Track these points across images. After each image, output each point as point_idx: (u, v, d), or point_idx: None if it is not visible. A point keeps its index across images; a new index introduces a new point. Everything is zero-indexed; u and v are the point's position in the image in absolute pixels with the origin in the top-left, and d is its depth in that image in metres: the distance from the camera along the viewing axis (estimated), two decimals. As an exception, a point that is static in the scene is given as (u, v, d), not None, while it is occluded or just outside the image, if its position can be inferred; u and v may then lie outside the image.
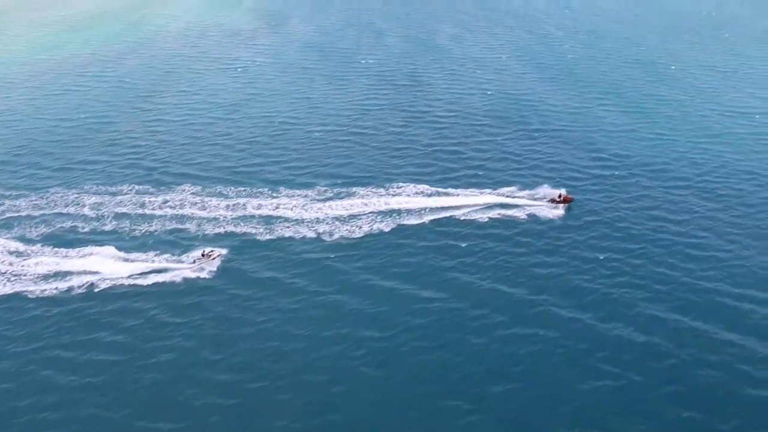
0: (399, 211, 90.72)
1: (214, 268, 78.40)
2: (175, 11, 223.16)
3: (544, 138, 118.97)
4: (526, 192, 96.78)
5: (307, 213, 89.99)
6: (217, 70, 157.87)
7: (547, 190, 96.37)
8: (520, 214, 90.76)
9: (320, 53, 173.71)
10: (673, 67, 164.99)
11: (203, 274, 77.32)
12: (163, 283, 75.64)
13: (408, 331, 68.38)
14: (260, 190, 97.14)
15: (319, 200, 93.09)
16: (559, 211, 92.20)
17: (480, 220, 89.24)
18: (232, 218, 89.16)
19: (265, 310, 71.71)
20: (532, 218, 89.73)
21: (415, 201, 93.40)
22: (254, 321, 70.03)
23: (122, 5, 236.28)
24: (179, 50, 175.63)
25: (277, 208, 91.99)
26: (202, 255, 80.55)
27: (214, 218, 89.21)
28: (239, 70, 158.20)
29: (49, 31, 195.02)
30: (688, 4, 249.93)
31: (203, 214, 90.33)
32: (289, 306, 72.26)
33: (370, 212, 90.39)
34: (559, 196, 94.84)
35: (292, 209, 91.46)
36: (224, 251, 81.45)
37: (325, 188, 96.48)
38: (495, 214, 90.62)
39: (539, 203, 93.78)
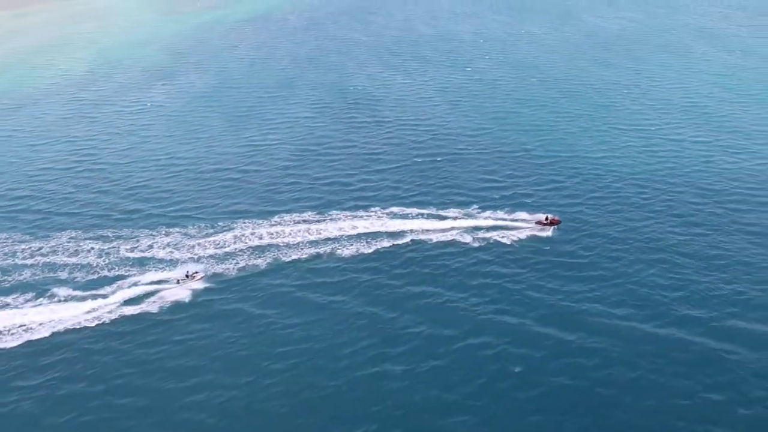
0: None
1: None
2: (85, 54, 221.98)
3: (443, 162, 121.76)
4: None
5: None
6: (113, 114, 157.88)
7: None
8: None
9: (227, 91, 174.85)
10: (578, 84, 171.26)
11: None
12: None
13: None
14: (139, 231, 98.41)
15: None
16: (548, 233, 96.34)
17: (471, 244, 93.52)
18: (105, 264, 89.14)
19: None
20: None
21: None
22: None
23: (28, 48, 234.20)
24: (78, 94, 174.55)
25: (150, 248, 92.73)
26: (187, 276, 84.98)
27: (87, 264, 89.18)
28: (136, 112, 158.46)
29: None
30: (602, 22, 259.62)
31: (74, 260, 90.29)
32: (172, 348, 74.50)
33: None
34: (546, 218, 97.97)
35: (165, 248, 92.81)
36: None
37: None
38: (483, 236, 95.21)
39: (527, 225, 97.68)
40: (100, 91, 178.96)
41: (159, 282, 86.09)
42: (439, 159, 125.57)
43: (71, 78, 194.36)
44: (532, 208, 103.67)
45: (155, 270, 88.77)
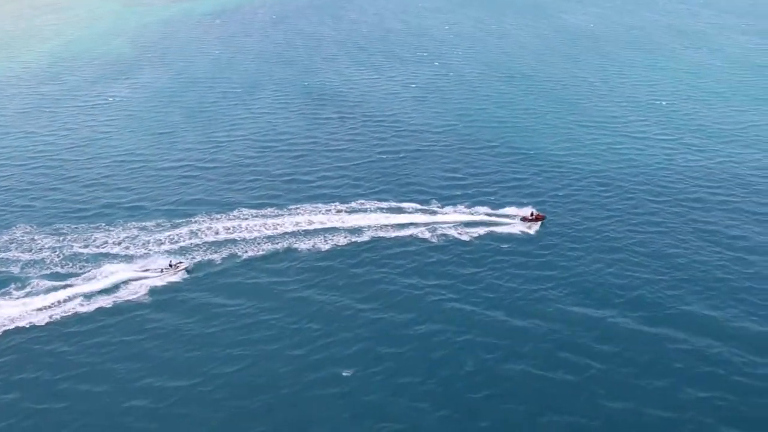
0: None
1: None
2: (48, 46, 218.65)
3: (406, 158, 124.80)
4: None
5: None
6: (75, 108, 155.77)
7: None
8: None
9: (194, 85, 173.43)
10: (546, 81, 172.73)
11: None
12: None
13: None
14: (95, 225, 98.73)
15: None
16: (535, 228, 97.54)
17: (460, 238, 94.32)
18: (59, 259, 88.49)
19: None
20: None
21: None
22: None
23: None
24: (38, 88, 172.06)
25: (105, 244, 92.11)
26: (170, 265, 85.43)
27: (41, 259, 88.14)
28: (98, 106, 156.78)
29: None
30: (571, 18, 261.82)
31: (28, 257, 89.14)
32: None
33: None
34: (531, 214, 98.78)
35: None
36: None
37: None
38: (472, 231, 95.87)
39: (512, 221, 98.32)
40: (61, 85, 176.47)
41: (142, 271, 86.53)
42: (401, 155, 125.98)
43: (32, 71, 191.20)
44: (495, 205, 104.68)
45: (124, 262, 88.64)
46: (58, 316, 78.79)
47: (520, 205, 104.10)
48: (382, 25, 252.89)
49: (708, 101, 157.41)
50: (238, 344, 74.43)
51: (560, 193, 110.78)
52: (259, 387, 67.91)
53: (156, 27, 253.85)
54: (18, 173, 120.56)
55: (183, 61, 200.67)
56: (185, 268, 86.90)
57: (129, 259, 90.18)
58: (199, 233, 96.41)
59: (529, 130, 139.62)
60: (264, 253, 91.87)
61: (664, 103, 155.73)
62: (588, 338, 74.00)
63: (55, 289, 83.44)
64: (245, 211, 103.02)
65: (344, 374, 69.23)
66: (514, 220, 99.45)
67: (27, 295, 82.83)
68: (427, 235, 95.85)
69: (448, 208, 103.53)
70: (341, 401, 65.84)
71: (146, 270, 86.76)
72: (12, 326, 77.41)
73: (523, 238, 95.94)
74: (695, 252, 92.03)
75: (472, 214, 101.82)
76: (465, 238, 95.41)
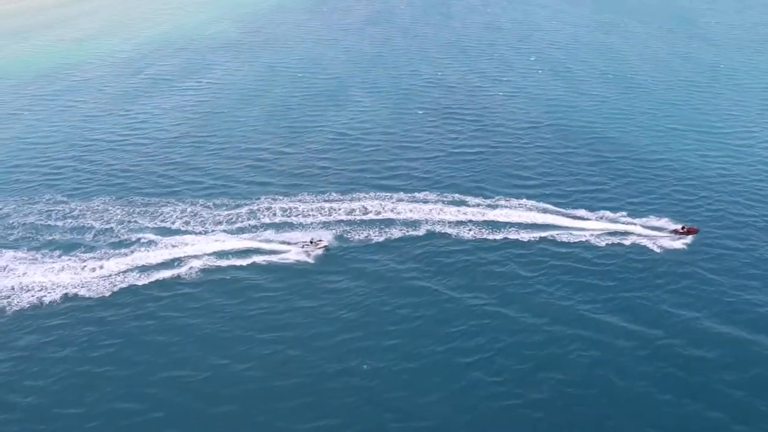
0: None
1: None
2: (161, 29, 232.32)
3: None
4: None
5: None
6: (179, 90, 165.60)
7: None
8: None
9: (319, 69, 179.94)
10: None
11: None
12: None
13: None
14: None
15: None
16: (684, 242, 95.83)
17: (599, 245, 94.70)
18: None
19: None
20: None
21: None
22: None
23: (107, 24, 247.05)
24: (145, 70, 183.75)
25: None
26: (310, 242, 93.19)
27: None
28: (196, 89, 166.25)
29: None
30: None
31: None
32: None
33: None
34: (683, 227, 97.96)
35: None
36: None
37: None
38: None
39: (661, 234, 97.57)
40: (165, 67, 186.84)
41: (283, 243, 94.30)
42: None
43: (141, 52, 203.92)
44: (639, 215, 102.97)
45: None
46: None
47: (663, 214, 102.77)
48: (492, 21, 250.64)
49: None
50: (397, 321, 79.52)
51: (711, 206, 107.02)
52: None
53: (264, 12, 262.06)
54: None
55: (286, 48, 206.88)
56: (325, 246, 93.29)
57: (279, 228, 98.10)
58: (339, 211, 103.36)
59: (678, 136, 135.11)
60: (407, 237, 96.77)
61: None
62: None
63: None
64: (386, 194, 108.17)
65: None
66: (663, 233, 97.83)
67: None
68: (567, 239, 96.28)
69: (590, 214, 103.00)
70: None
71: (287, 243, 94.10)
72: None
73: (673, 253, 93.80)
74: None
75: (616, 222, 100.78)
76: (604, 246, 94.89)
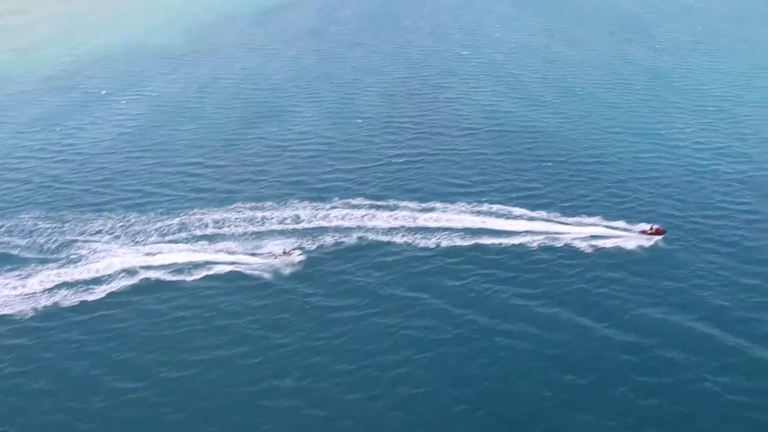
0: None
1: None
2: (101, 39, 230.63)
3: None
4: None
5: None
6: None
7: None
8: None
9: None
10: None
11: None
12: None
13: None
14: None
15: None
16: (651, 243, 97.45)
17: (578, 247, 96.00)
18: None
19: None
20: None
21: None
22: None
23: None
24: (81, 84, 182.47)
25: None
26: (283, 252, 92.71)
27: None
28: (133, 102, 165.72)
29: None
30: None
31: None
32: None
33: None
34: (651, 228, 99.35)
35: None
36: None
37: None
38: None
39: (629, 234, 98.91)
40: (106, 78, 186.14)
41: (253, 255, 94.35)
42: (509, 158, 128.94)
43: (82, 63, 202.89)
44: (608, 217, 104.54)
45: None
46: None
47: (633, 218, 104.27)
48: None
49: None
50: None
51: (677, 205, 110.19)
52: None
53: (209, 22, 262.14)
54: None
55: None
56: (299, 255, 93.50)
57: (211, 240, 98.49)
58: (308, 219, 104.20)
59: (638, 138, 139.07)
60: (384, 244, 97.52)
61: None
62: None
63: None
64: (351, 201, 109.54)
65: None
66: (632, 234, 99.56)
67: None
68: (539, 244, 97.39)
69: (561, 218, 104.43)
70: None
71: (257, 255, 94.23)
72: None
73: (642, 253, 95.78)
74: None
75: (588, 225, 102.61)
76: (579, 249, 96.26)
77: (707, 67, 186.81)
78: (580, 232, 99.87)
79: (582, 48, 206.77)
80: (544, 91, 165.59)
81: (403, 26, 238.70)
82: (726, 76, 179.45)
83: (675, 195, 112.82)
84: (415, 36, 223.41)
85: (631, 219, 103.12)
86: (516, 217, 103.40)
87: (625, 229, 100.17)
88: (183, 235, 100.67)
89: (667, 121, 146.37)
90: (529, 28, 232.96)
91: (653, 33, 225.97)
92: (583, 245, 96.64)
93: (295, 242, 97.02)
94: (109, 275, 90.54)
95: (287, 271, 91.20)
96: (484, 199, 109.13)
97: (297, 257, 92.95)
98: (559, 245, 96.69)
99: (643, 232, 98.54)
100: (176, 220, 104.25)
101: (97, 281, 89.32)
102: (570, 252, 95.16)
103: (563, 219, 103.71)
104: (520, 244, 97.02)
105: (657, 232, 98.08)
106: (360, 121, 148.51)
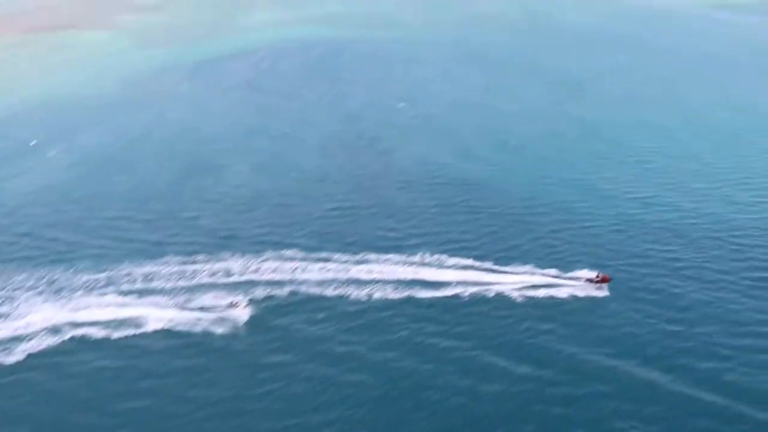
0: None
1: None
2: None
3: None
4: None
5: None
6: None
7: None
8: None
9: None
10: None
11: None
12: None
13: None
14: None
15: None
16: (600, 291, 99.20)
17: (516, 298, 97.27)
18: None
19: None
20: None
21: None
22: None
23: None
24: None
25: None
26: (231, 304, 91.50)
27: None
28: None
29: None
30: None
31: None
32: None
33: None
34: (597, 276, 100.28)
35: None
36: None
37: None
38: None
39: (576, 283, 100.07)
40: (32, 131, 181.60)
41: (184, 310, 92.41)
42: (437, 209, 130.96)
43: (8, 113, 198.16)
44: (553, 266, 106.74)
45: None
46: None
47: (579, 265, 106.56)
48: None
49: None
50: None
51: (621, 252, 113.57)
52: None
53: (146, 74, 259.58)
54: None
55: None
56: (244, 307, 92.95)
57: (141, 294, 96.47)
58: (252, 271, 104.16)
59: (575, 185, 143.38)
60: (317, 297, 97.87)
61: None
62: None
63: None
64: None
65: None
66: (578, 282, 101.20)
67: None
68: (471, 294, 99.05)
69: (494, 267, 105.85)
70: None
71: (187, 309, 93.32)
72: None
73: (589, 302, 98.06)
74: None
75: (531, 274, 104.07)
76: (523, 299, 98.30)
77: (635, 121, 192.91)
78: (514, 281, 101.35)
79: (517, 101, 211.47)
80: (480, 143, 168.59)
81: (342, 79, 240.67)
82: (653, 129, 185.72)
83: (606, 244, 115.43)
84: (352, 89, 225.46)
85: (564, 267, 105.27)
86: (449, 268, 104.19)
87: (570, 278, 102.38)
88: (111, 289, 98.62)
89: (597, 172, 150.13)
90: (465, 82, 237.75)
91: (585, 88, 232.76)
92: (515, 294, 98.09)
93: (242, 294, 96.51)
94: (30, 333, 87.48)
95: (216, 326, 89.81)
96: (417, 250, 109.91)
97: (244, 309, 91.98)
98: (491, 295, 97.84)
99: (590, 279, 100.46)
100: (104, 275, 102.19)
101: (17, 340, 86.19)
102: (502, 302, 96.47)
103: (497, 269, 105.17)
104: (453, 296, 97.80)
105: (603, 280, 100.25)
106: (294, 173, 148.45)
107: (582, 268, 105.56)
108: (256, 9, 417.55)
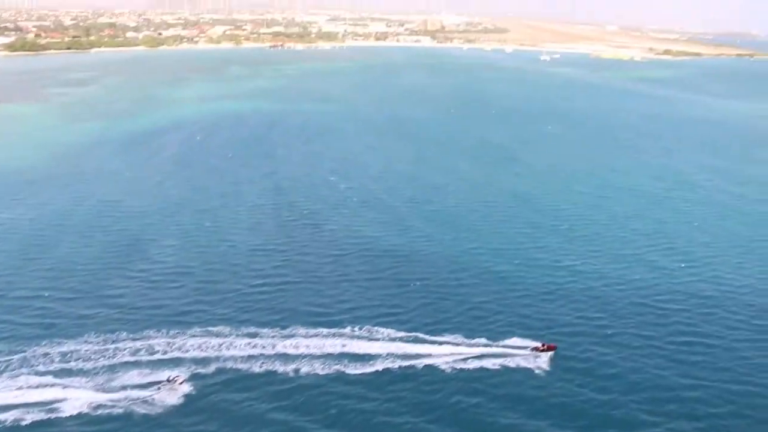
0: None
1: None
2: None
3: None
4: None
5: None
6: None
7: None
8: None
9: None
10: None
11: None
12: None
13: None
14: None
15: None
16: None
17: (447, 370, 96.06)
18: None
19: None
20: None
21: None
22: None
23: None
24: None
25: None
26: (167, 380, 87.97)
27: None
28: None
29: None
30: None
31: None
32: None
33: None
34: (543, 345, 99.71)
35: None
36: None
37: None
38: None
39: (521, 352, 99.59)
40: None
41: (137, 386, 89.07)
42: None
43: None
44: (496, 336, 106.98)
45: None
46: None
47: (523, 334, 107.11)
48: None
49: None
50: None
51: (564, 320, 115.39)
52: None
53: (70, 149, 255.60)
54: None
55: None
56: (182, 381, 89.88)
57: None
58: (182, 348, 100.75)
59: (512, 252, 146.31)
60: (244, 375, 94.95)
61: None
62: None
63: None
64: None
65: None
66: (524, 351, 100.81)
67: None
68: (401, 366, 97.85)
69: (425, 338, 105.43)
70: None
71: (106, 391, 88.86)
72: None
73: (536, 371, 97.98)
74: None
75: (462, 345, 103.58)
76: (454, 371, 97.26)
77: (562, 189, 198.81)
78: (445, 352, 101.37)
79: (446, 173, 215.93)
80: (409, 215, 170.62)
81: (272, 152, 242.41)
82: (579, 196, 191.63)
83: (534, 314, 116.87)
84: (283, 162, 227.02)
85: (494, 337, 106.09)
86: (379, 340, 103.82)
87: (509, 347, 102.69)
88: (25, 371, 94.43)
89: (526, 241, 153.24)
90: (395, 155, 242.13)
91: (513, 158, 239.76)
92: (445, 366, 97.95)
93: (171, 371, 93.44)
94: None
95: (138, 407, 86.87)
96: (346, 324, 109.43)
97: (181, 385, 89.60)
98: (421, 368, 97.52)
99: (536, 348, 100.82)
100: (17, 356, 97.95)
101: None
102: (433, 374, 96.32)
103: (428, 340, 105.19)
104: (383, 370, 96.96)
105: (549, 348, 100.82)
106: (224, 247, 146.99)
107: (512, 337, 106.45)
108: (188, 84, 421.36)
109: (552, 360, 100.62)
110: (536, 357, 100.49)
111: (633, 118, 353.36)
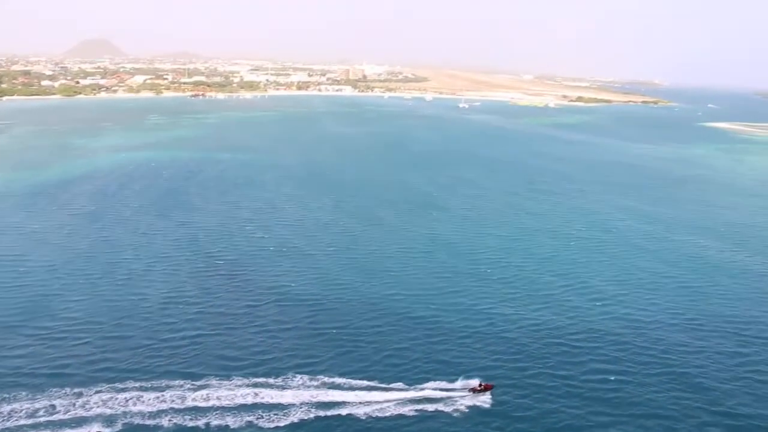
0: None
1: None
2: None
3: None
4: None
5: None
6: None
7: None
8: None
9: None
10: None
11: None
12: None
13: None
14: None
15: None
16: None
17: (362, 417, 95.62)
18: None
19: None
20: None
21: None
22: None
23: None
24: None
25: None
26: None
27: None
28: None
29: None
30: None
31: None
32: None
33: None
34: (480, 385, 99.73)
35: None
36: None
37: None
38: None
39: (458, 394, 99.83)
40: None
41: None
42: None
43: None
44: (433, 378, 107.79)
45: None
46: None
47: (455, 376, 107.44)
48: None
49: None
50: None
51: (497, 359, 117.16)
52: None
53: None
54: None
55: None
56: None
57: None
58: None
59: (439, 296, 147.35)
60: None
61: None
62: None
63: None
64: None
65: None
66: (462, 392, 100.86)
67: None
68: (362, 415, 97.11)
69: (342, 385, 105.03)
70: None
71: None
72: None
73: (476, 412, 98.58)
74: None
75: (413, 390, 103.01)
76: (371, 419, 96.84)
77: (478, 233, 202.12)
78: (362, 400, 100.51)
79: (365, 219, 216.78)
80: (327, 262, 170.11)
81: (190, 204, 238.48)
82: (496, 239, 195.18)
83: (451, 359, 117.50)
84: (200, 213, 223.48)
85: (410, 381, 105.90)
86: (294, 388, 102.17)
87: (450, 389, 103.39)
88: None
89: (445, 285, 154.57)
90: (314, 203, 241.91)
91: (432, 203, 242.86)
92: (361, 415, 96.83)
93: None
94: None
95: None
96: (260, 374, 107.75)
97: None
98: (336, 416, 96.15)
99: (473, 389, 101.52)
100: None
101: None
102: (351, 423, 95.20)
103: (344, 386, 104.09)
104: (299, 421, 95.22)
105: (486, 388, 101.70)
106: (135, 297, 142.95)
107: (428, 381, 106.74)
108: (104, 133, 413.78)
109: (473, 403, 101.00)
110: (472, 397, 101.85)
111: (548, 162, 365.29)
